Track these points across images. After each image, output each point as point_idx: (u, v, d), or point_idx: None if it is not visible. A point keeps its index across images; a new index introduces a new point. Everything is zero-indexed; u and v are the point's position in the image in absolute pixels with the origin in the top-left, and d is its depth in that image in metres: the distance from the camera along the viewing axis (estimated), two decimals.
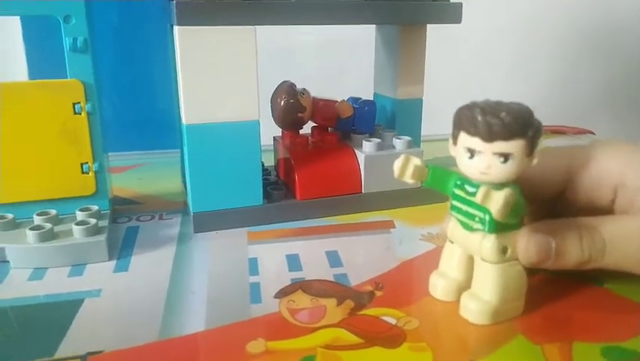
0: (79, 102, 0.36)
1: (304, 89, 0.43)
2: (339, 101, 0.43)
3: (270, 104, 0.42)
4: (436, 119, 0.50)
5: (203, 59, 0.35)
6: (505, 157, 0.25)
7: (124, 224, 0.40)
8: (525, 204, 0.26)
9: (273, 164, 0.48)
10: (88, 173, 0.37)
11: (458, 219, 0.28)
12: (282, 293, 0.31)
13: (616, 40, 0.77)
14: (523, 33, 0.75)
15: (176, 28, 0.34)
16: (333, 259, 0.35)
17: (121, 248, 0.36)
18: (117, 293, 0.31)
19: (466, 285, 0.29)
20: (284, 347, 0.26)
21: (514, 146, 0.24)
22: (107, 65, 0.58)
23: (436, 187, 0.28)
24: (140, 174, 0.53)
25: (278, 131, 0.45)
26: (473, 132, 0.25)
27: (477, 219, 0.27)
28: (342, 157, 0.42)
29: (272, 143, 0.47)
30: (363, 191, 0.42)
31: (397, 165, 0.27)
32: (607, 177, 0.30)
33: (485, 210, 0.26)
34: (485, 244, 0.26)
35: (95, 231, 0.35)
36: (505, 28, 0.74)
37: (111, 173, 0.44)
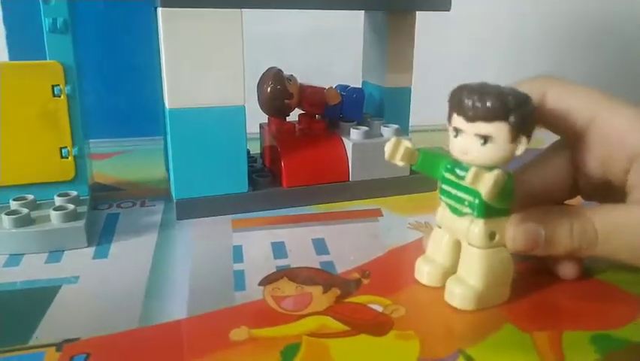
0: (58, 84, 0.35)
1: (291, 75, 0.42)
2: (327, 88, 0.43)
3: (256, 91, 0.41)
4: (425, 110, 0.49)
5: (188, 41, 0.34)
6: (485, 139, 0.24)
7: (104, 211, 0.39)
8: (514, 190, 0.26)
9: (259, 152, 0.47)
10: (67, 157, 0.36)
11: (447, 204, 0.28)
12: (267, 281, 0.30)
13: (608, 34, 0.77)
14: (516, 21, 0.75)
15: (159, 9, 0.33)
16: (320, 246, 0.34)
17: (100, 235, 0.35)
18: (96, 280, 0.30)
19: (452, 271, 0.28)
20: (268, 334, 0.25)
21: (495, 129, 0.24)
22: (91, 51, 0.57)
23: (426, 170, 0.28)
24: (123, 161, 0.51)
25: (264, 119, 0.45)
26: (458, 111, 0.25)
27: (466, 203, 0.26)
28: (330, 145, 0.41)
29: (258, 131, 0.46)
30: (350, 179, 0.41)
31: (388, 147, 0.27)
32: (622, 144, 0.28)
33: (475, 194, 0.25)
34: (473, 228, 0.26)
35: (74, 216, 0.33)
36: (497, 16, 0.73)
37: (93, 160, 0.43)
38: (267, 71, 0.41)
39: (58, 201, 0.35)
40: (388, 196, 0.42)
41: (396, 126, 0.42)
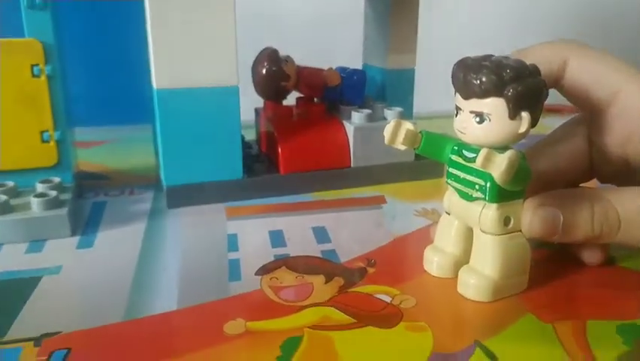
0: (37, 64, 0.32)
1: (288, 56, 0.40)
2: (326, 69, 0.40)
3: (251, 74, 0.39)
4: (429, 95, 0.47)
5: (176, 15, 0.32)
6: (481, 117, 0.23)
7: (90, 199, 0.37)
8: (530, 170, 0.24)
9: (255, 138, 0.45)
10: (49, 142, 0.33)
11: (456, 188, 0.25)
12: (264, 270, 0.28)
13: (613, 21, 0.75)
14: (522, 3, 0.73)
15: None
16: (321, 234, 0.32)
17: (85, 224, 0.33)
18: (79, 271, 0.28)
19: (463, 260, 0.26)
20: (266, 327, 0.23)
21: (489, 105, 0.22)
22: (77, 35, 0.54)
23: (430, 154, 0.25)
24: (110, 149, 0.49)
25: (259, 103, 0.42)
26: (455, 88, 0.24)
27: (477, 187, 0.24)
28: (330, 129, 0.39)
29: (253, 117, 0.44)
30: (352, 165, 0.39)
31: (388, 129, 0.24)
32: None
33: (487, 177, 0.23)
34: (486, 213, 0.24)
35: (56, 204, 0.31)
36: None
37: (79, 148, 0.41)
38: (262, 51, 0.39)
39: (39, 187, 0.33)
40: (392, 183, 0.40)
41: (399, 109, 0.39)
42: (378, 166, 0.39)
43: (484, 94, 0.22)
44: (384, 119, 0.39)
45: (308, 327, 0.23)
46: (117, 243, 0.31)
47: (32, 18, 0.32)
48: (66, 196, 0.33)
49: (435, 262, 0.27)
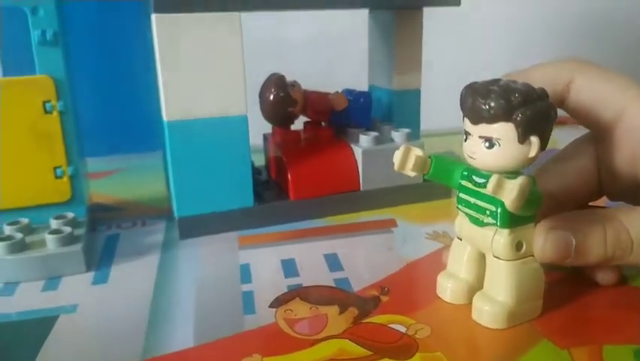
0: (49, 100, 0.33)
1: (295, 81, 0.40)
2: (332, 93, 0.41)
3: (258, 100, 0.40)
4: (434, 113, 0.47)
5: (184, 48, 0.32)
6: (490, 142, 0.23)
7: (103, 233, 0.37)
8: (541, 195, 0.24)
9: (264, 163, 0.45)
10: (62, 177, 0.34)
11: (467, 214, 0.25)
12: (278, 302, 0.28)
13: (617, 30, 0.75)
14: (525, 17, 0.73)
15: (153, 16, 0.32)
16: (333, 262, 0.32)
17: (100, 258, 0.33)
18: (95, 308, 0.28)
19: (477, 286, 0.26)
20: None
21: (498, 130, 0.22)
22: (85, 65, 0.55)
23: (440, 179, 0.25)
24: (122, 179, 0.50)
25: (268, 129, 0.43)
26: (464, 113, 0.24)
27: (488, 212, 0.24)
28: (338, 153, 0.39)
29: (262, 142, 0.44)
30: (361, 188, 0.39)
31: (397, 156, 0.25)
32: None
33: (497, 203, 0.23)
34: (498, 239, 0.24)
35: (71, 240, 0.31)
36: (508, 12, 0.71)
37: (90, 178, 0.41)
38: (268, 77, 0.39)
39: (54, 224, 0.33)
40: (402, 205, 0.40)
41: (407, 130, 0.40)
42: (387, 188, 0.39)
43: (493, 119, 0.22)
44: (392, 140, 0.39)
45: None
46: (131, 277, 0.31)
47: (43, 54, 0.33)
48: (80, 231, 0.33)
49: (448, 288, 0.27)
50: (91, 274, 0.31)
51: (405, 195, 0.40)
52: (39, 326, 0.26)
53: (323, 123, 0.42)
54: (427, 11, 0.41)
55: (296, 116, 0.40)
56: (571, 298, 0.27)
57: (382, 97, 0.44)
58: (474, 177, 0.24)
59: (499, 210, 0.24)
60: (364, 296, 0.28)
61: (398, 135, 0.39)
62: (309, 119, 0.42)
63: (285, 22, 0.63)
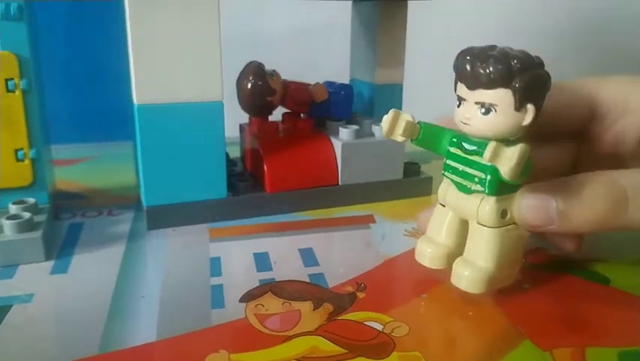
0: (12, 78, 0.31)
1: (274, 70, 0.39)
2: (312, 84, 0.39)
3: (235, 90, 0.38)
4: (416, 109, 0.46)
5: (158, 27, 0.31)
6: (486, 108, 0.22)
7: (66, 221, 0.35)
8: (532, 165, 0.23)
9: (239, 155, 0.43)
10: (23, 161, 0.32)
11: (453, 181, 0.25)
12: (249, 297, 0.26)
13: (606, 32, 0.75)
14: (511, 12, 0.72)
15: None
16: (308, 257, 0.31)
17: (61, 247, 0.31)
18: (52, 298, 0.26)
19: (456, 252, 0.26)
20: (251, 359, 0.22)
21: (496, 96, 0.22)
22: (58, 50, 0.53)
23: (428, 145, 0.25)
24: (89, 168, 0.48)
25: (244, 120, 0.41)
26: (460, 78, 0.23)
27: (476, 180, 0.24)
28: (317, 145, 0.38)
29: (238, 135, 0.43)
30: (339, 183, 0.38)
31: (386, 120, 0.24)
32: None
33: (486, 170, 0.23)
34: (484, 206, 0.24)
35: (30, 226, 0.30)
36: (494, 6, 0.71)
37: (57, 166, 0.39)
38: (246, 65, 0.38)
39: (12, 209, 0.31)
40: (381, 201, 0.39)
41: None
42: (366, 184, 0.38)
43: (491, 85, 0.22)
44: (373, 134, 0.38)
45: (295, 359, 0.22)
46: (93, 267, 0.29)
47: (6, 29, 0.31)
48: (41, 218, 0.31)
49: (428, 253, 0.26)
50: (50, 263, 0.29)
51: (384, 191, 0.39)
52: None
53: (302, 115, 0.40)
54: (412, 5, 0.40)
55: (274, 107, 0.39)
56: (555, 300, 0.26)
57: (364, 90, 0.43)
58: (464, 143, 0.24)
59: (488, 178, 0.23)
60: (340, 293, 0.27)
61: (379, 129, 0.38)
62: (288, 110, 0.40)
63: (267, 13, 0.61)
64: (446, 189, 0.26)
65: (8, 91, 0.31)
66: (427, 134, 0.24)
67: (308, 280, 0.28)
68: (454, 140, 0.24)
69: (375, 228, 0.35)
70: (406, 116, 0.24)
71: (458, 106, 0.24)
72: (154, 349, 0.22)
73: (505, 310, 0.25)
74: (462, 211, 0.25)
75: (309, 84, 0.39)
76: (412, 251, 0.31)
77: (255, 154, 0.38)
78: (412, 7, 0.41)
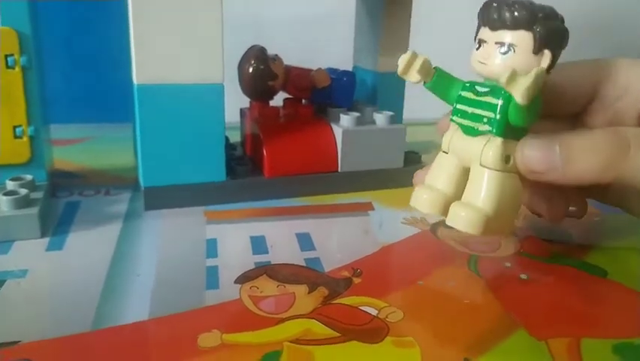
0: (12, 54, 0.31)
1: (276, 55, 0.38)
2: (314, 69, 0.39)
3: (237, 75, 0.38)
4: (417, 103, 0.46)
5: (159, 7, 0.30)
6: (506, 47, 0.23)
7: (63, 199, 0.35)
8: (541, 104, 0.23)
9: (239, 140, 0.43)
10: (21, 137, 0.32)
11: (461, 125, 0.25)
12: (244, 278, 0.26)
13: (607, 28, 0.75)
14: None
15: None
16: (305, 241, 0.30)
17: (57, 224, 0.31)
18: (46, 274, 0.26)
19: (453, 200, 0.25)
20: (244, 340, 0.22)
21: (517, 37, 0.23)
22: (58, 29, 0.53)
23: (440, 90, 0.25)
24: (89, 148, 0.47)
25: (245, 104, 0.41)
26: (484, 21, 0.24)
27: (485, 120, 0.23)
28: (317, 131, 0.37)
29: (238, 120, 0.43)
30: (339, 169, 0.37)
31: (403, 58, 0.24)
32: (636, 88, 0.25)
33: (495, 109, 0.23)
34: (489, 147, 0.23)
35: (26, 203, 0.29)
36: None
37: (56, 145, 0.39)
38: (249, 49, 0.38)
39: (9, 185, 0.31)
40: (380, 189, 0.38)
41: (390, 113, 0.38)
42: (366, 172, 0.38)
43: (514, 26, 0.23)
44: (374, 122, 0.38)
45: (288, 341, 0.21)
46: (89, 246, 0.29)
47: (7, 5, 0.30)
48: (38, 195, 0.31)
49: (424, 198, 0.25)
50: (45, 240, 0.29)
51: (384, 179, 0.38)
52: None
53: (304, 101, 0.40)
54: None
55: (276, 91, 0.39)
56: (551, 291, 0.26)
57: (366, 78, 0.43)
58: (477, 87, 0.24)
59: (497, 117, 0.23)
60: (335, 277, 0.27)
61: (380, 117, 0.38)
62: (289, 96, 0.40)
63: (268, 4, 0.61)
64: (451, 135, 0.25)
65: (8, 67, 0.31)
66: (440, 78, 0.25)
67: (304, 265, 0.28)
68: (467, 84, 0.25)
69: (373, 215, 0.35)
70: (423, 56, 0.24)
71: (477, 49, 0.24)
72: (147, 326, 0.22)
73: (501, 299, 0.25)
74: (466, 155, 0.25)
75: (311, 70, 0.39)
76: (410, 238, 0.31)
77: (255, 138, 0.38)
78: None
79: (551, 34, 0.23)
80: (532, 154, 0.23)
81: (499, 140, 0.23)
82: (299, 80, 0.38)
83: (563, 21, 0.23)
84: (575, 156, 0.23)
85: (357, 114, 0.37)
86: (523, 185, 0.24)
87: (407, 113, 0.43)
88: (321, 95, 0.39)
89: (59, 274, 0.26)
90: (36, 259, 0.27)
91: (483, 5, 0.24)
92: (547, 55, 0.22)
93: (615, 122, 0.26)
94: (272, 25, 0.62)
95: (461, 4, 0.59)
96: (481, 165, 0.24)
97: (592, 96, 0.27)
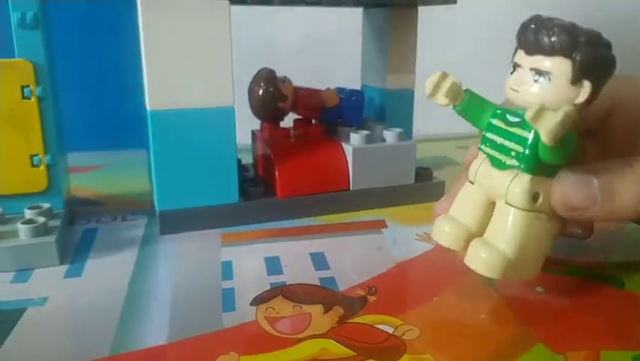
0: (28, 85, 0.31)
1: (285, 76, 0.39)
2: (323, 90, 0.39)
3: (247, 96, 0.38)
4: (428, 119, 0.46)
5: (170, 34, 0.31)
6: (542, 75, 0.21)
7: (81, 226, 0.35)
8: (575, 142, 0.22)
9: (251, 161, 0.44)
10: (38, 166, 0.32)
11: (488, 155, 0.23)
12: (260, 300, 0.26)
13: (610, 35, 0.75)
14: (521, 19, 0.72)
15: (139, 0, 0.30)
16: (319, 261, 0.31)
17: (75, 252, 0.32)
18: (66, 301, 0.26)
19: (476, 235, 0.24)
20: None
21: (554, 64, 0.21)
22: (72, 58, 0.53)
23: (470, 114, 0.24)
24: (104, 175, 0.48)
25: (256, 126, 0.41)
26: (520, 44, 0.22)
27: (513, 153, 0.22)
28: (328, 151, 0.38)
29: (250, 141, 0.43)
30: (351, 188, 0.38)
31: (432, 80, 0.23)
32: None
33: (525, 144, 0.22)
34: (516, 183, 0.22)
35: (44, 231, 0.30)
36: (505, 10, 0.71)
37: (72, 173, 0.40)
38: (258, 72, 0.38)
39: (28, 214, 0.31)
40: (392, 206, 0.39)
41: (399, 130, 0.38)
42: (377, 189, 0.38)
43: (551, 52, 0.21)
44: (384, 140, 0.38)
45: None
46: (107, 271, 0.29)
47: (23, 37, 0.31)
48: (55, 223, 0.31)
49: (445, 231, 0.24)
50: (64, 267, 0.30)
51: (395, 196, 0.38)
52: (5, 319, 0.25)
53: (313, 121, 0.41)
54: (422, 11, 0.40)
55: (286, 112, 0.39)
56: (568, 303, 0.26)
57: (375, 96, 0.43)
58: (508, 115, 0.23)
59: (526, 152, 0.22)
60: (351, 296, 0.27)
61: (390, 135, 0.38)
62: (299, 116, 0.41)
63: (278, 20, 0.62)
64: (478, 165, 0.24)
65: (24, 97, 0.31)
66: (471, 102, 0.23)
67: (319, 284, 0.28)
68: (499, 111, 0.23)
69: (386, 232, 0.35)
70: (452, 78, 0.23)
71: (512, 73, 0.22)
72: (165, 351, 0.23)
73: (518, 313, 0.25)
74: (491, 189, 0.23)
75: (320, 90, 0.39)
76: (425, 255, 0.31)
77: (267, 159, 0.38)
78: (422, 13, 0.41)
79: (592, 62, 0.21)
80: (572, 190, 0.22)
81: (527, 177, 0.22)
82: (308, 101, 0.39)
83: (609, 47, 0.21)
84: (614, 194, 0.22)
85: (366, 132, 0.38)
86: (554, 226, 0.23)
87: (417, 130, 0.44)
88: (330, 115, 0.39)
89: (78, 300, 0.26)
90: (55, 287, 0.28)
91: (521, 26, 0.22)
92: (586, 86, 0.21)
93: (634, 136, 0.26)
94: (280, 47, 0.63)
95: (467, 20, 0.60)
96: (506, 202, 0.22)
97: (610, 110, 0.26)
